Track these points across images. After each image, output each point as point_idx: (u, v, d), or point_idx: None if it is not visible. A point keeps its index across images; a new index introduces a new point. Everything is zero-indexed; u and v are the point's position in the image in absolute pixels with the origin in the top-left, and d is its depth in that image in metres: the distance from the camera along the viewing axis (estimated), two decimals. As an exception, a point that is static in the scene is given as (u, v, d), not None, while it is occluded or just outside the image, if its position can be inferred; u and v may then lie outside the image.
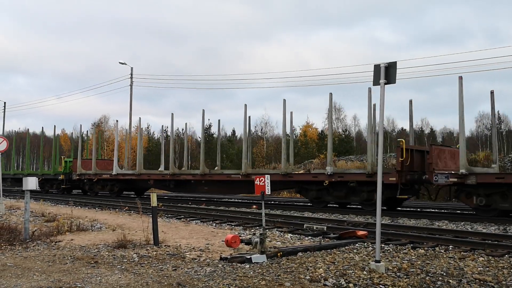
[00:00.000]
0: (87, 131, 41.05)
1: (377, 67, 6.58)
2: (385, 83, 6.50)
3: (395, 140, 73.99)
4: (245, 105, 20.12)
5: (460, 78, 13.89)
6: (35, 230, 9.90)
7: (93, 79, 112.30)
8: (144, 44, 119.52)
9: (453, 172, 14.30)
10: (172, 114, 24.14)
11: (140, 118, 27.23)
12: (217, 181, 21.55)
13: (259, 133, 62.76)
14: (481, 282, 5.68)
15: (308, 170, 22.06)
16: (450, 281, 5.70)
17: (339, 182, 16.81)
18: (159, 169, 24.50)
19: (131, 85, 43.90)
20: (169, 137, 32.63)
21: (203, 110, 22.38)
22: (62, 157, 33.42)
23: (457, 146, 16.68)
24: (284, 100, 18.70)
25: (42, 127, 66.93)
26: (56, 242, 8.86)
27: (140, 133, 28.37)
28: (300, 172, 20.01)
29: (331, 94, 17.47)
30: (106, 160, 33.61)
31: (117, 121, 31.17)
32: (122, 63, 43.47)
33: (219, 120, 26.07)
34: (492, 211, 13.75)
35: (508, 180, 13.44)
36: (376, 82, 6.59)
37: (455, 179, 13.88)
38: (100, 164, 28.70)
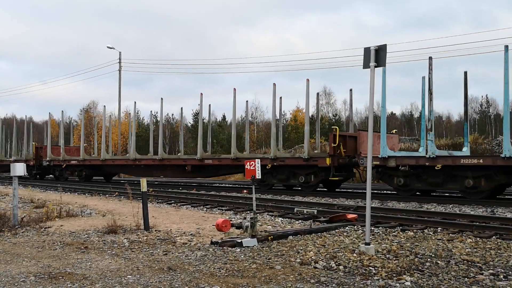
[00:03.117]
0: (70, 116, 41.51)
1: (367, 50, 6.55)
2: (375, 66, 6.48)
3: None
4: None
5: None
6: (24, 216, 9.83)
7: (77, 63, 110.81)
8: (129, 27, 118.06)
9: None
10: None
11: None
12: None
13: (250, 118, 62.60)
14: (469, 263, 5.75)
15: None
16: (439, 262, 5.76)
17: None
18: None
19: (119, 70, 43.41)
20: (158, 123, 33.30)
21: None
22: None
23: (393, 132, 20.28)
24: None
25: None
26: (46, 228, 8.80)
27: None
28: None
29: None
30: None
31: None
32: (110, 48, 42.88)
33: (180, 109, 25.78)
34: (410, 191, 15.49)
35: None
36: (366, 65, 6.56)
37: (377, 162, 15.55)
38: None
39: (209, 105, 24.62)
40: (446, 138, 37.07)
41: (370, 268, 5.45)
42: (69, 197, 16.55)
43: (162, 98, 23.89)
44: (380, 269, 5.39)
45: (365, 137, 16.38)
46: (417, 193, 15.54)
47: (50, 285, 4.88)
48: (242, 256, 6.13)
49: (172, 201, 14.42)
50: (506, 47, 13.02)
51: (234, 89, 20.34)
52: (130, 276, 5.18)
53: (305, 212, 10.61)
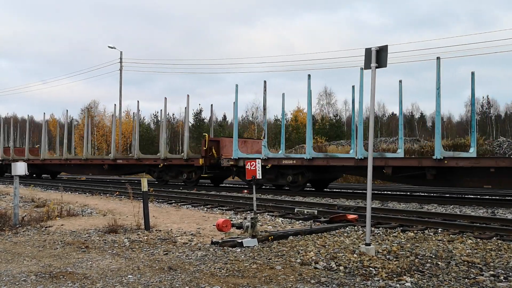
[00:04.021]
0: (71, 115, 42.84)
1: (368, 51, 6.56)
2: (376, 67, 6.48)
3: (385, 125, 74.20)
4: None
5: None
6: (25, 216, 9.84)
7: (77, 62, 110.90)
8: (128, 25, 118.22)
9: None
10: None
11: None
12: None
13: (250, 118, 62.75)
14: (470, 263, 5.76)
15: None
16: (439, 263, 5.76)
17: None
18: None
19: (120, 70, 43.46)
20: (160, 122, 34.02)
21: (188, 95, 23.11)
22: None
23: (262, 137, 22.40)
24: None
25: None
26: (46, 227, 8.81)
27: None
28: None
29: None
30: None
31: None
32: (111, 47, 42.92)
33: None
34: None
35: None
36: (367, 66, 6.56)
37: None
38: None
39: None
40: (446, 139, 36.93)
41: (371, 268, 5.45)
42: (70, 196, 16.57)
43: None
44: (380, 269, 5.40)
45: (226, 142, 21.05)
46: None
47: (51, 284, 4.89)
48: (242, 256, 6.14)
49: (173, 201, 14.43)
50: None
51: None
52: (130, 276, 5.18)
53: (305, 212, 10.62)
